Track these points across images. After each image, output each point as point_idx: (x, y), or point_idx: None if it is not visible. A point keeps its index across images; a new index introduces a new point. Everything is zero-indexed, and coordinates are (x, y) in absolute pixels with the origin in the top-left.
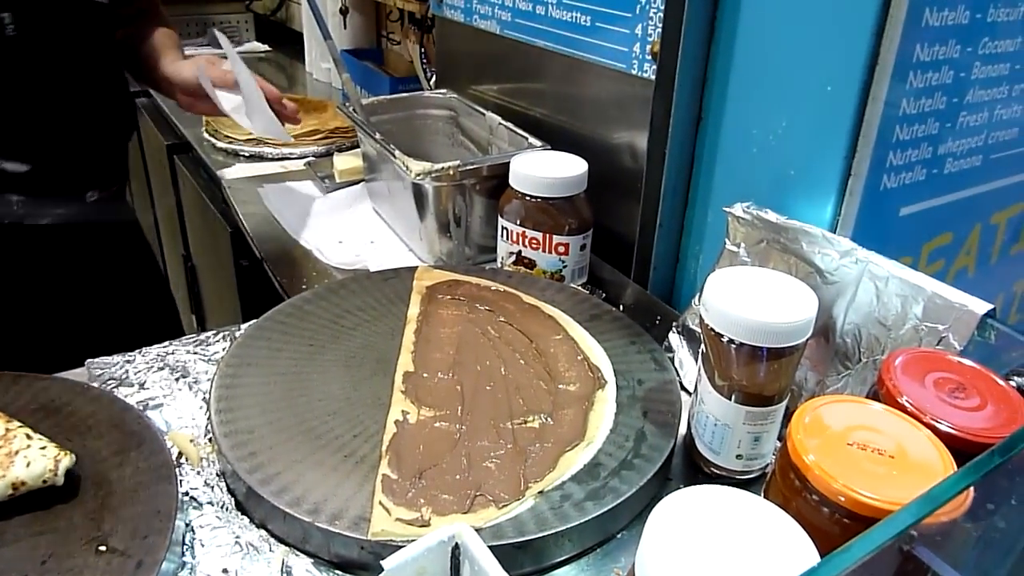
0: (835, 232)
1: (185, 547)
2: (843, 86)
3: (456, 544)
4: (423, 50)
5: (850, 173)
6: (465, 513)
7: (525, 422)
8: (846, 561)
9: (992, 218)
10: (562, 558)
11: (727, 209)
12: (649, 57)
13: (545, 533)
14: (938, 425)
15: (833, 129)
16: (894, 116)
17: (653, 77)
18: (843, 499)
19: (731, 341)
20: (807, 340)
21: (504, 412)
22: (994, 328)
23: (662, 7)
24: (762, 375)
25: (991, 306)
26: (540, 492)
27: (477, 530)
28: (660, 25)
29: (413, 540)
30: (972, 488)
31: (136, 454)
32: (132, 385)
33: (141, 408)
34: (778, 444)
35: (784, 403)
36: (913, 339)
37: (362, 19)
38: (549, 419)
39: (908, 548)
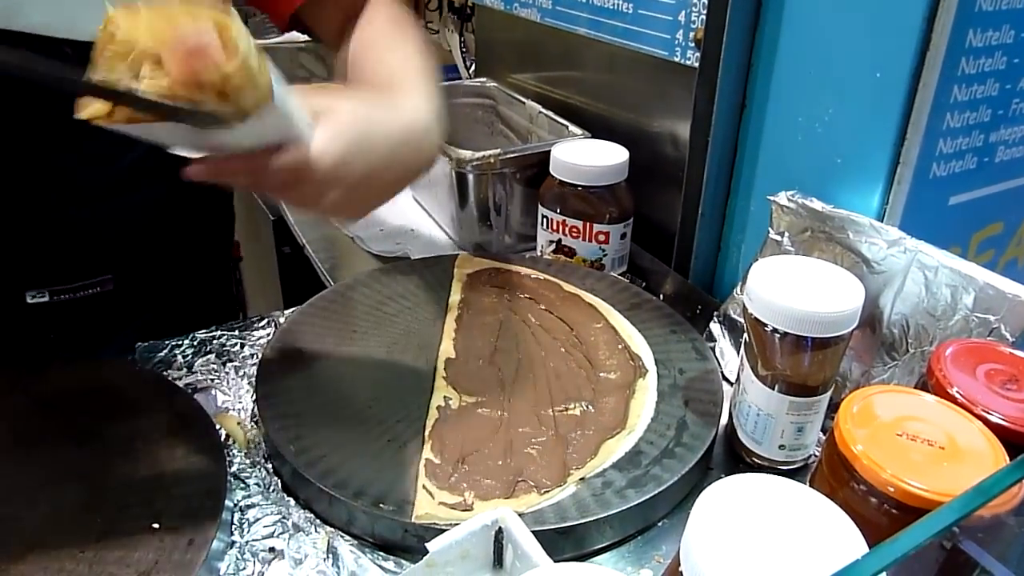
0: (882, 221)
1: (233, 526)
2: (893, 72)
3: (500, 528)
4: (462, 39)
5: (899, 161)
6: (507, 498)
7: (566, 409)
8: (894, 552)
9: None
10: (603, 544)
11: (771, 198)
12: (692, 44)
13: (587, 519)
14: (989, 417)
15: (882, 116)
16: (945, 103)
17: (696, 64)
18: (892, 489)
19: (775, 330)
20: (853, 330)
21: (545, 399)
22: None
23: None
24: (806, 365)
25: None
26: (582, 479)
27: (519, 515)
28: (704, 11)
29: (456, 524)
30: None
31: (186, 435)
32: (181, 368)
33: (190, 391)
34: (821, 435)
35: (828, 393)
36: (963, 330)
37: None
38: (590, 407)
39: (952, 544)
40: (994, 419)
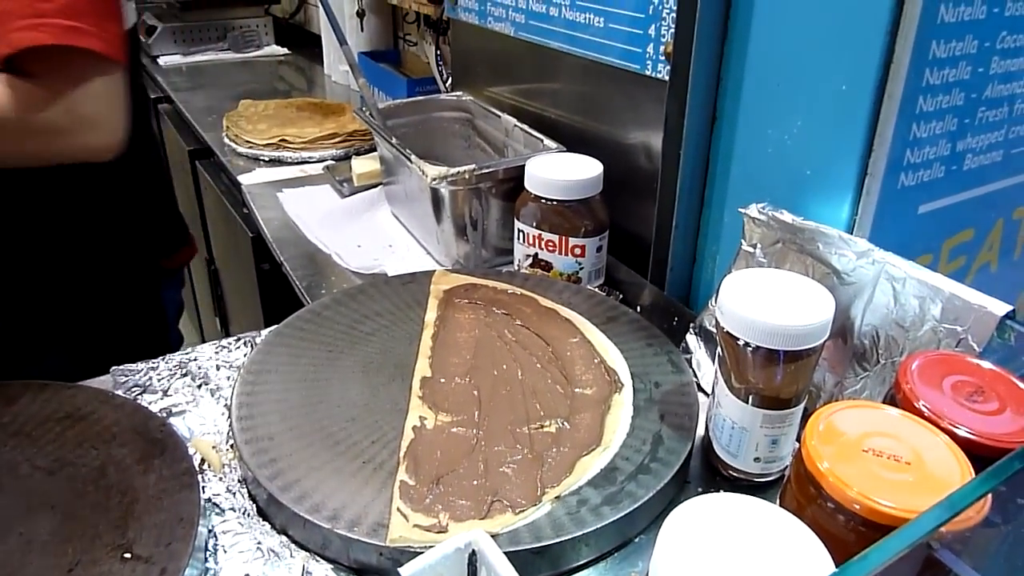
0: (853, 232)
1: (208, 553)
2: (858, 85)
3: (473, 551)
4: (439, 52)
5: (867, 172)
6: (482, 519)
7: (542, 427)
8: (862, 570)
9: (1015, 213)
10: (580, 563)
11: (742, 210)
12: (663, 58)
13: (562, 538)
14: (956, 430)
15: (849, 128)
16: (911, 113)
17: (667, 78)
18: (858, 507)
19: (747, 344)
20: (824, 342)
21: (521, 417)
22: (1014, 329)
23: (675, 7)
24: (779, 378)
25: (1010, 307)
26: (557, 497)
27: (494, 536)
28: (673, 26)
29: (431, 546)
30: (990, 494)
31: (160, 461)
32: (156, 392)
33: (164, 415)
34: (796, 446)
35: (802, 405)
36: (931, 341)
37: (379, 21)
38: (566, 423)
39: (932, 552)
40: (961, 433)
